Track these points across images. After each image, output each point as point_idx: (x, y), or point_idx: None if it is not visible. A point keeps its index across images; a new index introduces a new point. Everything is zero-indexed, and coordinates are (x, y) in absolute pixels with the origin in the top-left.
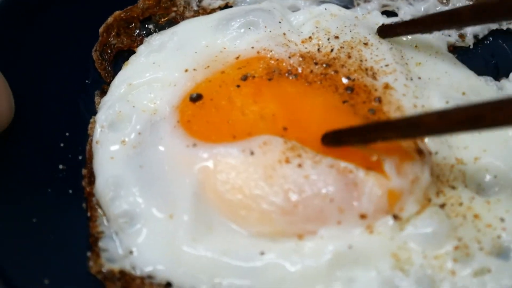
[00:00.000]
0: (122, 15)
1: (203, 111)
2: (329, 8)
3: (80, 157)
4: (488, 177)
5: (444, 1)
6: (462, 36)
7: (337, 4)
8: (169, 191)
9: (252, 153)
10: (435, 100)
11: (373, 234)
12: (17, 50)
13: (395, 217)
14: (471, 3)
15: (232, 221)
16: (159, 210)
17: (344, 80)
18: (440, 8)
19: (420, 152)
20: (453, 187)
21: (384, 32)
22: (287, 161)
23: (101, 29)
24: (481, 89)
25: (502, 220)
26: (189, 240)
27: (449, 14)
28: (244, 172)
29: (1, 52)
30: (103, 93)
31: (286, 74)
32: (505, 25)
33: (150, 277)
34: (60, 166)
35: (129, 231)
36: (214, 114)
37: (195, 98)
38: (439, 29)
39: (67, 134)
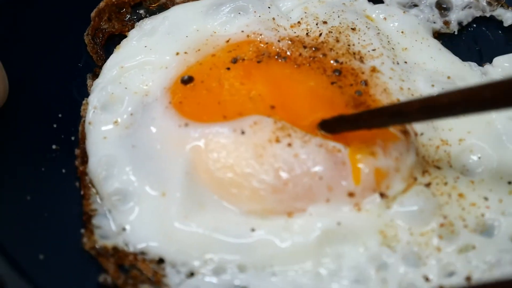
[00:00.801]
0: (113, 0)
1: (194, 93)
2: None
3: (72, 138)
4: (472, 158)
5: None
6: (446, 23)
7: None
8: (162, 169)
9: (243, 133)
10: (421, 84)
11: (361, 212)
12: (10, 33)
13: (382, 195)
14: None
15: (223, 199)
16: (152, 188)
17: (333, 63)
18: None
19: (405, 133)
20: (438, 167)
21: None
22: (277, 140)
23: (92, 14)
24: (466, 73)
25: (486, 199)
26: (181, 217)
27: (397, 108)
28: (235, 151)
29: None
30: (95, 76)
31: (276, 57)
32: (488, 12)
33: (142, 253)
34: (53, 146)
35: (122, 208)
36: (205, 96)
37: (186, 80)
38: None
39: (59, 115)
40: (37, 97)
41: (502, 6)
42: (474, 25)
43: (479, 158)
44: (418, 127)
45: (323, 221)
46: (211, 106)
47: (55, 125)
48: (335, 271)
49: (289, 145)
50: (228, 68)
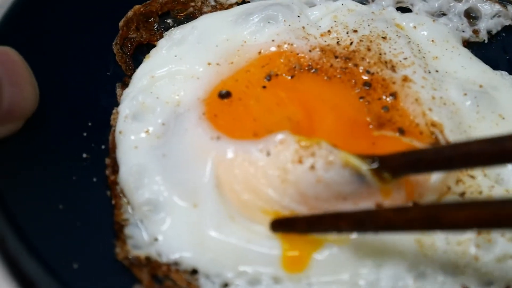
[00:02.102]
0: (141, 9)
1: (230, 108)
2: (345, 4)
3: (103, 147)
4: (508, 168)
5: None
6: (476, 32)
7: (352, 0)
8: (192, 181)
9: (268, 154)
10: (453, 92)
11: None
12: (40, 41)
13: (415, 204)
14: None
15: (249, 219)
16: (183, 199)
17: (363, 75)
18: (454, 4)
19: (437, 142)
20: (472, 177)
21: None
22: (300, 161)
23: (121, 23)
24: (498, 82)
25: None
26: (213, 228)
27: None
28: (260, 173)
29: (25, 43)
30: (125, 85)
31: (307, 69)
32: None
33: (176, 263)
34: (84, 155)
35: (153, 218)
36: (242, 112)
37: (224, 95)
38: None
39: (89, 124)
40: (67, 106)
41: None
42: (504, 34)
43: None
44: (451, 136)
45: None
46: (246, 123)
47: (85, 134)
48: (373, 282)
49: (312, 167)
50: (264, 87)
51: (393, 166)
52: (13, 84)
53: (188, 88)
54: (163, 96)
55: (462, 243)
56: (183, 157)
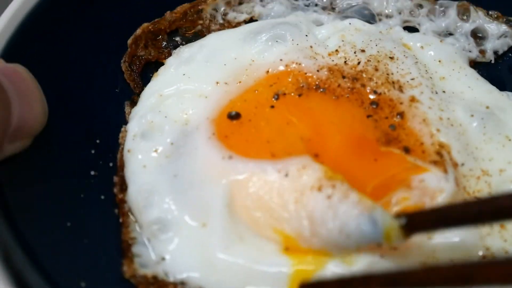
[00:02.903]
0: (150, 27)
1: (241, 129)
2: (353, 23)
3: (111, 164)
4: None
5: (464, 18)
6: (482, 52)
7: (359, 19)
8: (202, 200)
9: (286, 175)
10: (460, 113)
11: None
12: (49, 58)
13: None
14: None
15: (261, 237)
16: (192, 218)
17: (370, 95)
18: (461, 24)
19: (440, 165)
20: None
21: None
22: (319, 189)
23: (129, 41)
24: (504, 103)
25: None
26: (221, 248)
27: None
28: (275, 193)
29: (34, 60)
30: (133, 103)
31: (314, 88)
32: None
33: (182, 283)
34: (92, 172)
35: (161, 238)
36: (253, 134)
37: (234, 116)
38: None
39: (97, 141)
40: (75, 123)
41: None
42: (510, 54)
43: None
44: (458, 157)
45: (366, 256)
46: (260, 144)
47: (93, 151)
48: None
49: (329, 197)
50: (272, 106)
51: (421, 222)
52: (22, 101)
53: (197, 107)
54: (171, 115)
55: None
56: (193, 177)
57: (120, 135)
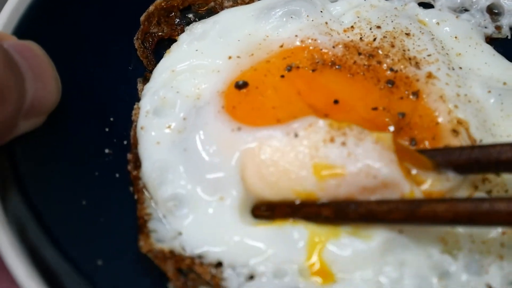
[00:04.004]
0: (162, 4)
1: (248, 98)
2: None
3: (125, 142)
4: None
5: None
6: (498, 28)
7: None
8: (216, 174)
9: (296, 136)
10: (478, 90)
11: None
12: (63, 36)
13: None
14: None
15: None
16: (207, 193)
17: (387, 71)
18: (476, 0)
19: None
20: (498, 174)
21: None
22: (332, 140)
23: (142, 18)
24: None
25: None
26: (238, 221)
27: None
28: (290, 155)
29: (48, 37)
30: (146, 80)
31: (330, 64)
32: None
33: (200, 257)
34: (106, 150)
35: (177, 214)
36: (260, 101)
37: (241, 85)
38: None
39: (111, 119)
40: (89, 101)
41: None
42: None
43: None
44: (476, 134)
45: (385, 228)
46: (265, 111)
47: (107, 129)
48: (396, 280)
49: (343, 144)
50: (283, 76)
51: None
52: (36, 78)
53: (209, 82)
54: (183, 90)
55: (487, 241)
56: (206, 151)
57: (133, 112)
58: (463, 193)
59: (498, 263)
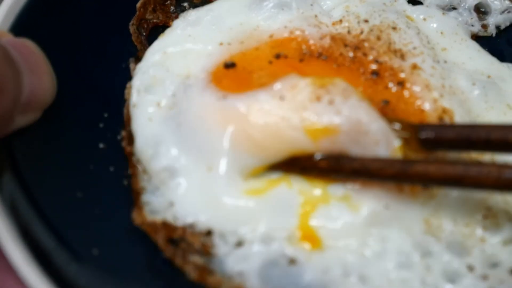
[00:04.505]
0: None
1: (235, 74)
2: None
3: (118, 137)
4: None
5: None
6: (484, 26)
7: None
8: (206, 144)
9: (282, 98)
10: (463, 82)
11: (408, 197)
12: (58, 33)
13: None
14: None
15: (270, 168)
16: (198, 163)
17: (372, 64)
18: None
19: None
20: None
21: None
22: (318, 99)
23: (138, 4)
24: (505, 74)
25: None
26: (228, 189)
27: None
28: (278, 118)
29: (43, 34)
30: (138, 60)
31: (317, 55)
32: None
33: (191, 226)
34: (101, 145)
35: (169, 185)
36: (246, 77)
37: (230, 65)
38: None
39: (105, 115)
40: (83, 97)
41: None
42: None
43: None
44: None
45: (372, 201)
46: (251, 81)
47: (101, 125)
48: (379, 253)
49: (331, 102)
50: (271, 62)
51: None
52: (32, 74)
53: (199, 63)
54: (174, 70)
55: (469, 224)
56: (195, 123)
57: (126, 91)
58: None
59: (479, 245)
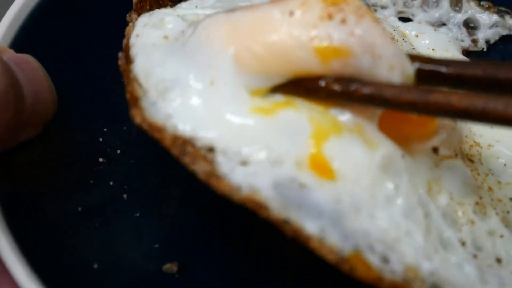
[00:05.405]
0: None
1: None
2: None
3: (118, 151)
4: (499, 162)
5: (457, 9)
6: (474, 41)
7: None
8: (209, 59)
9: (291, 14)
10: None
11: (418, 156)
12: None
13: (434, 149)
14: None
15: (276, 90)
16: (199, 78)
17: None
18: (453, 14)
19: None
20: (472, 161)
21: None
22: (330, 17)
23: (134, 0)
24: None
25: (511, 200)
26: (232, 104)
27: None
28: (286, 35)
29: (42, 49)
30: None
31: None
32: None
33: (192, 139)
34: (100, 159)
35: (168, 96)
36: None
37: None
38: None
39: (105, 129)
40: (83, 112)
41: None
42: (501, 44)
43: (505, 165)
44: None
45: (387, 148)
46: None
47: (100, 139)
48: (389, 198)
49: (343, 21)
50: None
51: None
52: (34, 89)
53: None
54: (183, 16)
55: (462, 204)
56: (200, 38)
57: (127, 29)
58: (447, 150)
59: (469, 226)
